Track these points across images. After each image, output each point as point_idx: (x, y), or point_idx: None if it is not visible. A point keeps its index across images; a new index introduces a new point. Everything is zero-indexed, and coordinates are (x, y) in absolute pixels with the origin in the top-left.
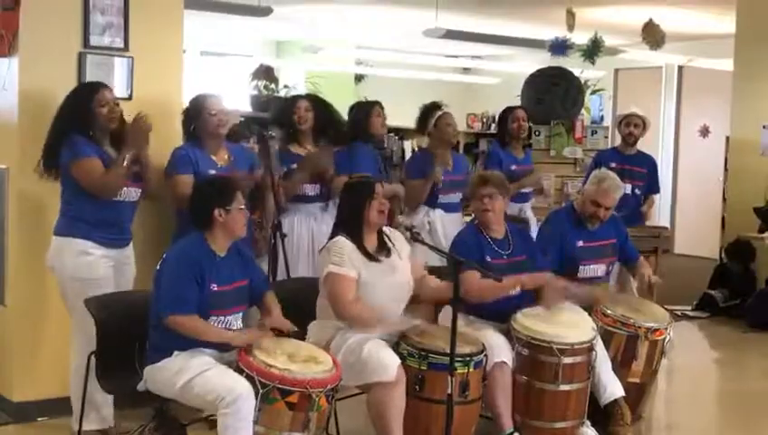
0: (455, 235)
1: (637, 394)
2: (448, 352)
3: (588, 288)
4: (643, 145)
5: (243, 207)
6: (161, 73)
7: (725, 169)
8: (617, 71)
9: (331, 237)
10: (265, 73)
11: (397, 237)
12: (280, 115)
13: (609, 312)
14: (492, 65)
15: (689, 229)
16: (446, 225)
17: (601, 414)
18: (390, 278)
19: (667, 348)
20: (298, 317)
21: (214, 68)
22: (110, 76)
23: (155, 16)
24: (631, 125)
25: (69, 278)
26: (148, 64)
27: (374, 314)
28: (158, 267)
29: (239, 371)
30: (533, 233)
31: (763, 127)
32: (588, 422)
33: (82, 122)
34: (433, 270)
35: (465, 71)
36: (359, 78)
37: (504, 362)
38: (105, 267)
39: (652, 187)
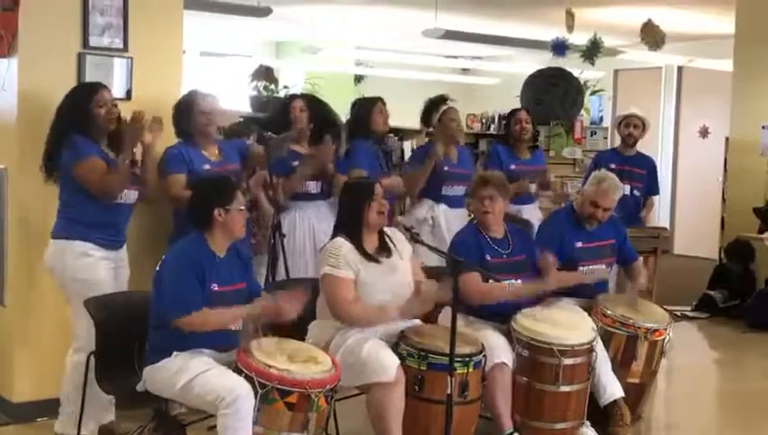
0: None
1: (636, 395)
2: (448, 352)
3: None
4: (642, 146)
5: (243, 207)
6: (161, 74)
7: (725, 170)
8: (616, 71)
9: (331, 239)
10: (265, 74)
11: (398, 238)
12: (276, 115)
13: (608, 312)
14: (491, 66)
15: (689, 230)
16: (449, 220)
17: (601, 415)
18: (390, 278)
19: (666, 348)
20: (298, 317)
21: (213, 68)
22: (110, 77)
23: (154, 17)
24: (631, 126)
25: (70, 280)
26: (147, 65)
27: (374, 309)
28: (157, 268)
29: (238, 371)
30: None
31: (763, 127)
32: (588, 423)
33: (82, 123)
34: (432, 270)
35: (465, 71)
36: (358, 78)
37: (504, 363)
38: (105, 269)
39: (651, 188)
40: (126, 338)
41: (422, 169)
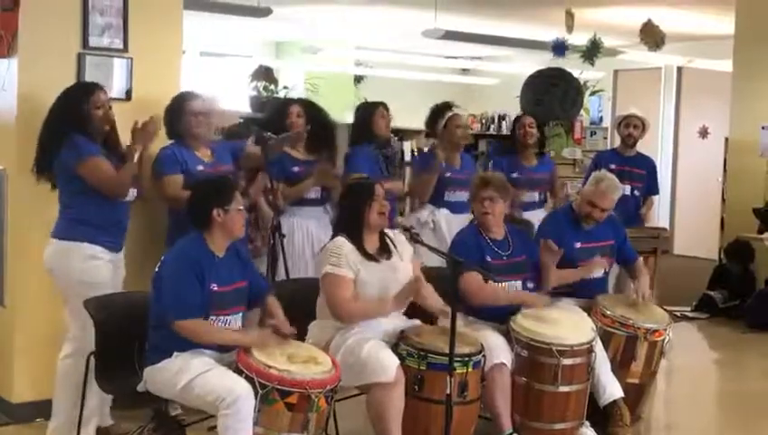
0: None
1: (636, 395)
2: (447, 352)
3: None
4: (642, 146)
5: (241, 207)
6: (160, 74)
7: (725, 170)
8: (616, 72)
9: (332, 238)
10: (265, 74)
11: (399, 240)
12: (272, 118)
13: (608, 312)
14: (491, 66)
15: (688, 230)
16: (451, 225)
17: (601, 415)
18: (390, 279)
19: (666, 349)
20: (298, 318)
21: (213, 69)
22: (110, 77)
23: (154, 17)
24: (630, 126)
25: (76, 283)
26: (147, 65)
27: (372, 304)
28: (156, 269)
29: (238, 371)
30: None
31: (762, 128)
32: (587, 423)
33: (80, 123)
34: (432, 271)
35: (464, 72)
36: (358, 79)
37: (503, 364)
38: (110, 272)
39: (651, 188)
40: (126, 338)
41: (428, 176)
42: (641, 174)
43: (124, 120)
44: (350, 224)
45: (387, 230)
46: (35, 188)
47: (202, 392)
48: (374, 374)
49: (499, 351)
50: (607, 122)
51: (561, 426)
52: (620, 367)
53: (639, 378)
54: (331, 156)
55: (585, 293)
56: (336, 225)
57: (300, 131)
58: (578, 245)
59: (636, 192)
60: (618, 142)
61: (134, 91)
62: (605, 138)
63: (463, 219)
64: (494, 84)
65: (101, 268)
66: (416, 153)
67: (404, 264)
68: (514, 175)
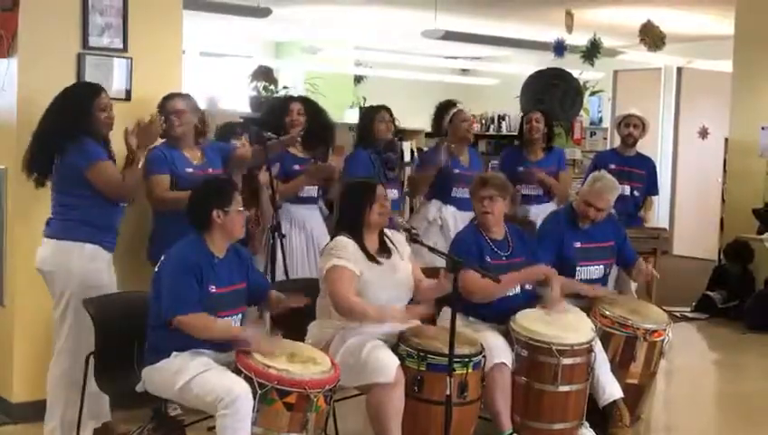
0: None
1: (635, 395)
2: (447, 352)
3: (589, 286)
4: (642, 146)
5: (241, 208)
6: (160, 74)
7: (724, 171)
8: (616, 72)
9: (333, 238)
10: (264, 74)
11: (398, 239)
12: (271, 116)
13: (607, 313)
14: (490, 66)
15: (688, 231)
16: (458, 222)
17: (600, 415)
18: (391, 279)
19: (665, 349)
20: (297, 318)
21: (213, 69)
22: (109, 77)
23: (154, 17)
24: (630, 126)
25: (76, 284)
26: (147, 65)
27: (377, 308)
28: (156, 270)
29: (237, 371)
30: None
31: (762, 128)
32: (587, 423)
33: (88, 124)
34: (432, 271)
35: (464, 72)
36: (358, 79)
37: (504, 364)
38: (106, 272)
39: (651, 189)
40: (125, 338)
41: (428, 171)
42: (641, 174)
43: (124, 120)
44: (351, 224)
45: (385, 230)
46: (35, 188)
47: (201, 392)
48: (374, 375)
49: (499, 351)
50: (607, 123)
51: (560, 426)
52: (620, 367)
53: (639, 378)
54: (326, 154)
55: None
56: (336, 225)
57: (293, 136)
58: (577, 244)
59: (635, 193)
60: (617, 143)
61: (134, 91)
62: (605, 138)
63: (470, 217)
64: (494, 85)
65: (102, 270)
66: (415, 153)
67: (404, 263)
68: (520, 169)
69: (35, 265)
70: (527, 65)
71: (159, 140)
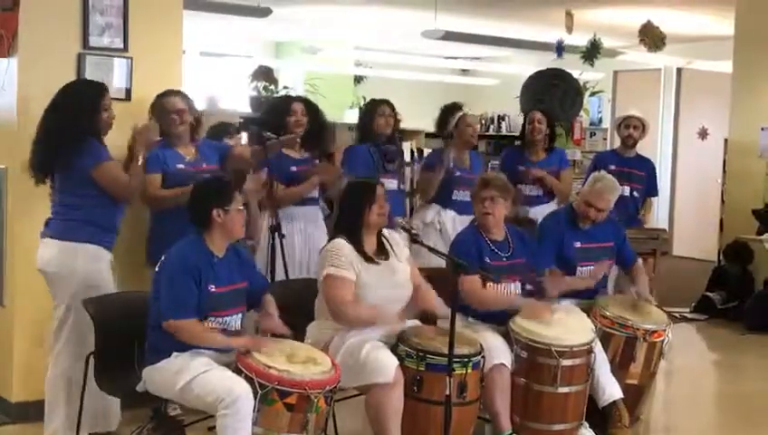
0: None
1: (635, 396)
2: (446, 353)
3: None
4: (642, 147)
5: (241, 207)
6: (161, 74)
7: (724, 171)
8: (616, 72)
9: (331, 239)
10: (265, 74)
11: (396, 241)
12: (272, 116)
13: (607, 313)
14: (490, 67)
15: (687, 231)
16: (457, 226)
17: (600, 416)
18: (389, 280)
19: (665, 350)
20: (297, 318)
21: (213, 69)
22: (110, 77)
23: (154, 17)
24: (630, 127)
25: (79, 284)
26: (147, 65)
27: (373, 311)
28: (156, 269)
29: (238, 371)
30: None
31: (762, 129)
32: (586, 424)
33: (96, 125)
34: (433, 272)
35: (464, 72)
36: (358, 79)
37: (503, 364)
38: (108, 271)
39: (650, 189)
40: (125, 338)
41: (433, 174)
42: (640, 175)
43: (124, 120)
44: (350, 224)
45: (383, 231)
46: (36, 187)
47: (201, 393)
48: (373, 375)
49: (499, 351)
50: (606, 123)
51: (560, 427)
52: (620, 368)
53: (639, 379)
54: (325, 154)
55: (585, 294)
56: (336, 225)
57: (293, 137)
58: (577, 244)
59: (635, 193)
60: (617, 143)
61: (134, 90)
62: (605, 139)
63: (468, 220)
64: (494, 85)
65: (104, 270)
66: (415, 153)
67: (402, 265)
68: (521, 168)
69: (37, 265)
70: (527, 66)
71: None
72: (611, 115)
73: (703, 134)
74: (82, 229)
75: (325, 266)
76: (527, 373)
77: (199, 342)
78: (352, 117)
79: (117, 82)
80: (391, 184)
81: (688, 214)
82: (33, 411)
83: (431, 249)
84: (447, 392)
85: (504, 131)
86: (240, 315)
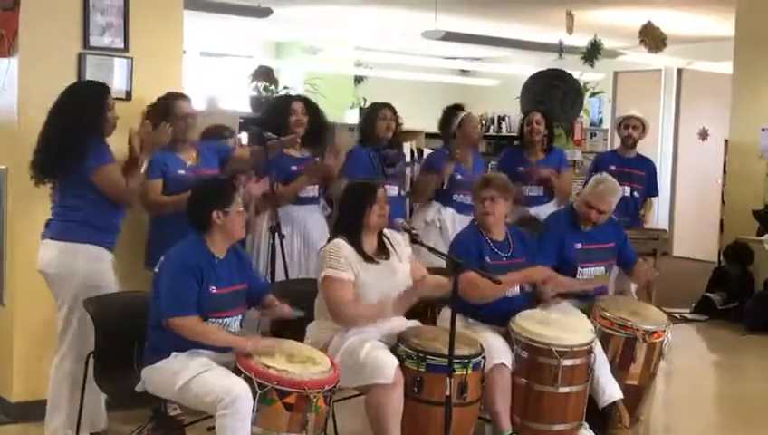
0: None
1: (635, 397)
2: (446, 353)
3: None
4: (642, 148)
5: (241, 209)
6: (161, 74)
7: (724, 172)
8: (616, 73)
9: (330, 239)
10: (265, 74)
11: (398, 240)
12: (272, 116)
13: (607, 314)
14: (491, 67)
15: (688, 232)
16: (457, 224)
17: (600, 416)
18: (389, 280)
19: (665, 351)
20: (296, 318)
21: (213, 69)
22: (110, 77)
23: (155, 17)
24: (630, 127)
25: (80, 285)
26: (147, 65)
27: (372, 310)
28: (156, 269)
29: (237, 371)
30: None
31: (762, 130)
32: (586, 425)
33: (98, 125)
34: (432, 271)
35: (464, 73)
36: (358, 79)
37: (504, 365)
38: (110, 272)
39: (651, 190)
40: (125, 338)
41: (429, 178)
42: (641, 176)
43: (124, 120)
44: (350, 225)
45: (384, 230)
46: (36, 187)
47: (200, 393)
48: (373, 375)
49: (499, 352)
50: (607, 124)
51: (560, 427)
52: (619, 369)
53: (638, 380)
54: (324, 153)
55: (585, 296)
56: (336, 225)
57: (294, 137)
58: (578, 245)
59: (635, 194)
60: (618, 144)
61: (134, 91)
62: (605, 139)
63: (469, 220)
64: (494, 85)
65: (105, 270)
66: (415, 153)
67: (403, 265)
68: (521, 169)
69: (38, 266)
70: (527, 66)
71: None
72: (612, 116)
73: (703, 135)
74: (82, 230)
75: (324, 268)
76: (528, 373)
77: (201, 339)
78: (352, 117)
79: (117, 83)
80: (392, 190)
81: (689, 214)
82: (33, 411)
83: (431, 249)
84: (448, 393)
85: (504, 132)
86: (240, 317)
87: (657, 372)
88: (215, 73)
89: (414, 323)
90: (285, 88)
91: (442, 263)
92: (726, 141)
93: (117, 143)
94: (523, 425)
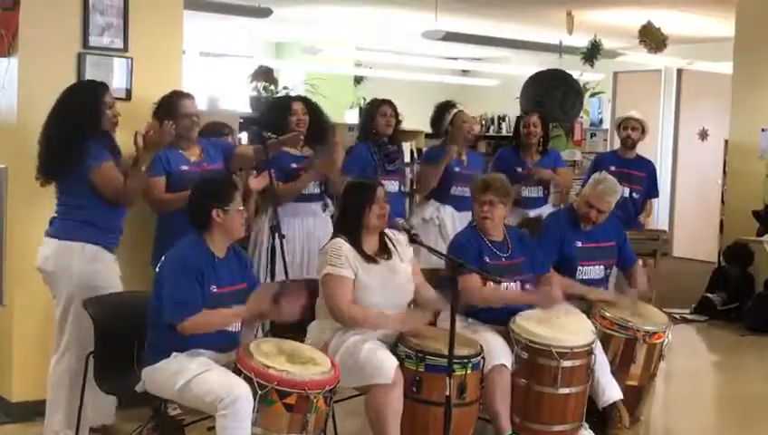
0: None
1: (635, 397)
2: (446, 353)
3: (590, 288)
4: (642, 148)
5: (241, 207)
6: (161, 74)
7: (724, 173)
8: (616, 74)
9: (331, 239)
10: (265, 75)
11: (399, 240)
12: (272, 116)
13: (607, 315)
14: (491, 67)
15: (688, 232)
16: (456, 222)
17: (600, 417)
18: (389, 280)
19: (665, 351)
20: (297, 318)
21: (213, 69)
22: (110, 77)
23: (154, 17)
24: (629, 128)
25: (75, 284)
26: (147, 65)
27: (370, 319)
28: (157, 269)
29: (237, 372)
30: None
31: (762, 130)
32: (586, 425)
33: (96, 125)
34: (432, 272)
35: (464, 73)
36: (358, 79)
37: (503, 365)
38: (113, 272)
39: (650, 191)
40: (125, 338)
41: (437, 165)
42: (641, 176)
43: (124, 120)
44: (349, 225)
45: (386, 230)
46: (35, 187)
47: (200, 393)
48: (373, 376)
49: (499, 352)
50: (607, 124)
51: (560, 428)
52: (619, 369)
53: (638, 380)
54: (326, 151)
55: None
56: (336, 225)
57: (297, 134)
58: (579, 244)
59: (635, 195)
60: (618, 144)
61: (134, 91)
62: (605, 139)
63: (467, 216)
64: (494, 86)
65: (106, 269)
66: (415, 153)
67: (404, 265)
68: (519, 170)
69: (36, 264)
70: (527, 66)
71: None
72: (611, 116)
73: (703, 135)
74: (81, 229)
75: (325, 265)
76: (527, 374)
77: (215, 327)
78: (352, 117)
79: (117, 82)
80: (392, 186)
81: (688, 215)
82: (32, 411)
83: (430, 249)
84: (447, 393)
85: (504, 132)
86: None
87: (657, 373)
88: (214, 73)
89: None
90: (285, 88)
91: (440, 262)
92: (726, 142)
93: (117, 143)
94: (523, 425)
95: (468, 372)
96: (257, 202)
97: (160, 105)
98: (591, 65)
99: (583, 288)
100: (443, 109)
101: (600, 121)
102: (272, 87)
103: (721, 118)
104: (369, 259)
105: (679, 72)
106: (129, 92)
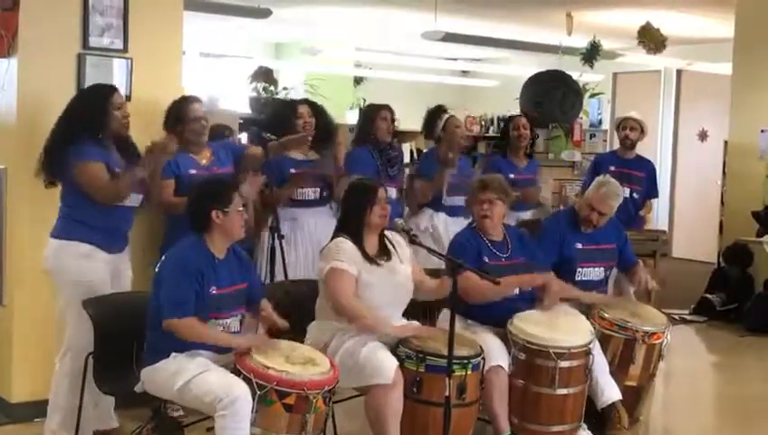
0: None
1: (634, 398)
2: (446, 354)
3: (587, 293)
4: (641, 149)
5: (241, 208)
6: (160, 75)
7: (724, 173)
8: (615, 74)
9: (332, 239)
10: (264, 75)
11: (399, 241)
12: (277, 118)
13: (606, 315)
14: (490, 68)
15: (687, 233)
16: (449, 229)
17: (599, 417)
18: (390, 281)
19: (664, 352)
20: (297, 319)
21: (213, 70)
22: (109, 77)
23: (154, 18)
24: (627, 128)
25: (70, 282)
26: (147, 66)
27: (368, 321)
28: (156, 269)
29: (237, 372)
30: None
31: (762, 131)
32: (585, 426)
33: (95, 125)
34: (431, 273)
35: (464, 73)
36: (358, 80)
37: (500, 366)
38: (105, 272)
39: (650, 191)
40: (125, 339)
41: (427, 185)
42: (640, 177)
43: None
44: (351, 225)
45: (386, 232)
46: (35, 187)
47: (200, 393)
48: (373, 376)
49: (496, 353)
50: (606, 125)
51: (558, 428)
52: (619, 370)
53: (637, 381)
54: (331, 154)
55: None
56: (338, 226)
57: (305, 135)
58: (579, 246)
59: (635, 195)
60: (617, 145)
61: (134, 91)
62: (604, 140)
63: (461, 223)
64: (494, 86)
65: (95, 268)
66: (415, 154)
67: (404, 266)
68: (511, 176)
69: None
70: (527, 67)
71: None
72: (611, 117)
73: (703, 136)
74: (75, 229)
75: (329, 261)
76: (525, 375)
77: (200, 339)
78: (352, 118)
79: (117, 83)
80: (393, 192)
81: (688, 216)
82: (32, 411)
83: (430, 250)
84: (447, 394)
85: None
86: (240, 316)
87: (656, 373)
88: (214, 74)
89: (413, 323)
90: (285, 89)
91: (440, 263)
92: (726, 142)
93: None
94: (522, 426)
95: (468, 372)
96: (258, 211)
97: (170, 111)
98: (591, 66)
99: (578, 292)
100: (434, 114)
101: (600, 122)
102: (271, 88)
103: (720, 119)
104: (370, 260)
105: (679, 72)
106: (128, 93)
